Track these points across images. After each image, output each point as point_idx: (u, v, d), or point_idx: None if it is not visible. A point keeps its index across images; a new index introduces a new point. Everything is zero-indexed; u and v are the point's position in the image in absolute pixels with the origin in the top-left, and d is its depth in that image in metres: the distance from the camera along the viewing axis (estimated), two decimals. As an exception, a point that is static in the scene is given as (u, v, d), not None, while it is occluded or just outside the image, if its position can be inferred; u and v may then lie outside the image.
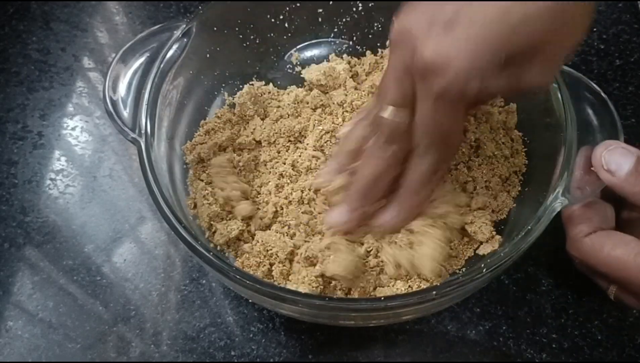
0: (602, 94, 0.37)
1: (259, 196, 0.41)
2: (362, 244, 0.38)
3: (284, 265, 0.37)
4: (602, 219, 0.36)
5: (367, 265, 0.37)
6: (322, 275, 0.36)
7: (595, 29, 0.55)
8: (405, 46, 0.30)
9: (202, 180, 0.41)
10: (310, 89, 0.46)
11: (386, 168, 0.35)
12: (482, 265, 0.32)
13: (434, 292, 0.31)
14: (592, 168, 0.35)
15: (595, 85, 0.38)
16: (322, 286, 0.36)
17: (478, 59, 0.28)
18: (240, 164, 0.42)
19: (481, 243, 0.39)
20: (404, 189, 0.35)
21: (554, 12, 0.28)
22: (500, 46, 0.28)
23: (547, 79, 0.34)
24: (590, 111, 0.37)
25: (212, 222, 0.39)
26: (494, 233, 0.39)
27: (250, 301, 0.41)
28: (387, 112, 0.32)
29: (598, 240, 0.34)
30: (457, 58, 0.28)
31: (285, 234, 0.39)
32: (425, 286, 0.37)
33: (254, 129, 0.44)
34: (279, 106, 0.45)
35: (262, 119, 0.44)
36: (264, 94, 0.46)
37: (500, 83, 0.29)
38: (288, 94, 0.46)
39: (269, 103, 0.45)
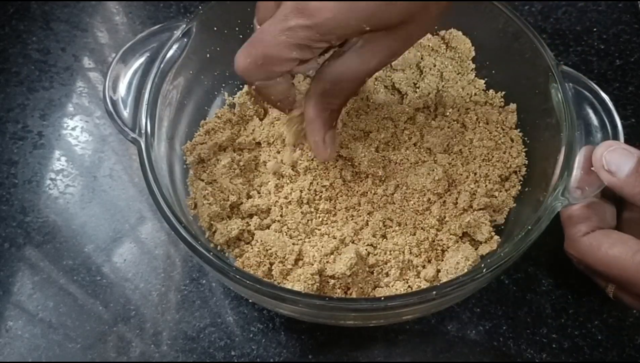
0: (602, 94, 0.37)
1: (259, 195, 0.41)
2: (361, 242, 0.38)
3: (283, 265, 0.37)
4: (601, 219, 0.36)
5: (367, 263, 0.37)
6: (319, 273, 0.36)
7: (595, 29, 0.55)
8: None
9: (203, 180, 0.41)
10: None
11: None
12: (482, 265, 0.32)
13: (434, 292, 0.31)
14: (592, 168, 0.35)
15: (595, 85, 0.38)
16: (318, 284, 0.36)
17: (345, 17, 0.30)
18: (241, 164, 0.42)
19: (481, 243, 0.39)
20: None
21: None
22: (366, 19, 0.30)
23: (396, 57, 0.34)
24: (590, 111, 0.37)
25: (212, 222, 0.39)
26: (494, 233, 0.39)
27: (250, 301, 0.41)
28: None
29: (596, 238, 0.34)
30: (327, 9, 0.30)
31: (285, 233, 0.39)
32: (425, 287, 0.37)
33: (253, 129, 0.44)
34: None
35: (261, 119, 0.44)
36: None
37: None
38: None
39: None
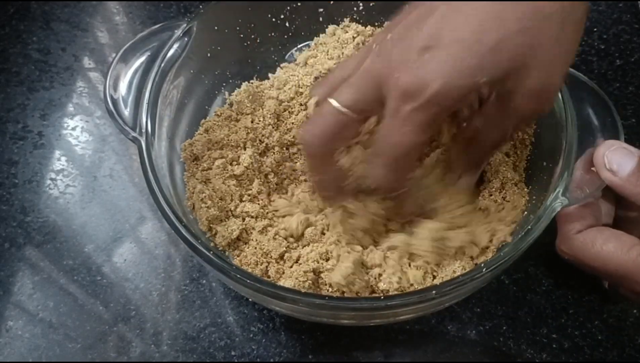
0: (603, 94, 0.37)
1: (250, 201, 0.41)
2: (362, 248, 0.38)
3: (278, 264, 0.37)
4: (596, 218, 0.36)
5: (365, 267, 0.37)
6: (313, 272, 0.36)
7: (595, 29, 0.55)
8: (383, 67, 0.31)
9: (197, 179, 0.40)
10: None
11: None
12: (482, 265, 0.32)
13: (434, 292, 0.31)
14: (592, 168, 0.35)
15: (595, 85, 0.38)
16: (310, 282, 0.36)
17: (453, 81, 0.28)
18: (235, 164, 0.41)
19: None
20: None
21: (528, 30, 0.28)
22: (477, 69, 0.28)
23: (542, 104, 0.31)
24: (590, 111, 0.37)
25: (211, 225, 0.39)
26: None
27: (250, 300, 0.41)
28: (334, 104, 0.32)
29: (589, 235, 0.35)
30: (433, 80, 0.28)
31: (279, 235, 0.39)
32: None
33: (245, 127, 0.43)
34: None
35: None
36: (262, 91, 0.45)
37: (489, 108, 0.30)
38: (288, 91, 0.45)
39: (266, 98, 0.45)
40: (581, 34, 0.30)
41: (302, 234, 0.39)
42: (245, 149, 0.42)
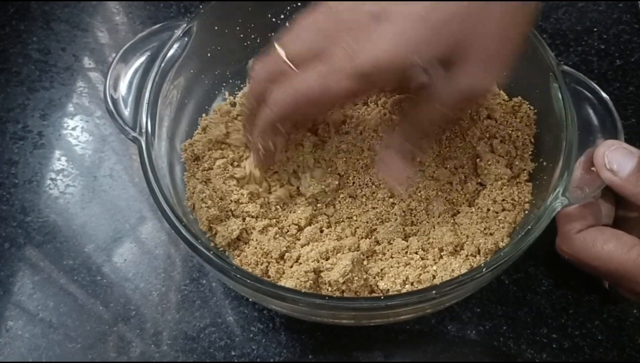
0: (603, 94, 0.37)
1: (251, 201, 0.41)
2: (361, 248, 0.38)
3: (278, 264, 0.37)
4: (597, 218, 0.36)
5: (365, 269, 0.37)
6: (314, 271, 0.36)
7: (595, 29, 0.55)
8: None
9: (198, 179, 0.40)
10: None
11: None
12: (482, 265, 0.32)
13: (434, 292, 0.31)
14: (592, 168, 0.35)
15: (595, 85, 0.38)
16: (311, 281, 0.36)
17: (392, 55, 0.30)
18: (235, 164, 0.41)
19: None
20: None
21: (473, 11, 0.29)
22: (419, 44, 0.30)
23: (484, 83, 0.33)
24: (590, 111, 0.37)
25: (211, 225, 0.39)
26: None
27: (250, 300, 0.41)
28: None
29: (590, 235, 0.35)
30: (373, 53, 0.30)
31: (279, 235, 0.39)
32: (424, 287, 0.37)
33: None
34: None
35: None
36: None
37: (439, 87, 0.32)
38: None
39: None
40: (523, 36, 0.32)
41: (309, 223, 0.39)
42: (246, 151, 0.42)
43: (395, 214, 0.39)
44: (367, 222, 0.39)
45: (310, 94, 0.32)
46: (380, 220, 0.39)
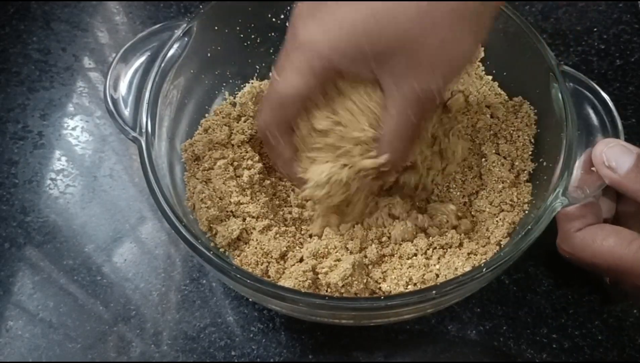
0: (603, 94, 0.37)
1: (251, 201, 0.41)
2: (363, 251, 0.38)
3: (278, 264, 0.37)
4: (597, 217, 0.36)
5: (367, 272, 0.37)
6: (312, 270, 0.36)
7: (595, 29, 0.55)
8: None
9: (198, 179, 0.40)
10: None
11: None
12: (482, 265, 0.32)
13: (434, 291, 0.31)
14: (592, 168, 0.35)
15: (595, 85, 0.38)
16: (310, 281, 0.36)
17: (341, 47, 0.31)
18: (235, 164, 0.41)
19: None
20: None
21: (421, 12, 0.29)
22: (365, 41, 0.30)
23: (431, 86, 0.31)
24: (590, 111, 0.37)
25: (211, 225, 0.39)
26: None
27: (250, 300, 0.41)
28: None
29: (590, 232, 0.35)
30: (321, 41, 0.31)
31: (279, 235, 0.39)
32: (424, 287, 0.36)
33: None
34: None
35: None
36: (264, 91, 0.45)
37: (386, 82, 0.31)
38: None
39: None
40: (477, 39, 0.32)
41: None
42: (247, 151, 0.42)
43: (403, 219, 0.39)
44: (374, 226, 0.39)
45: (284, 97, 0.33)
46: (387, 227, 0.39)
